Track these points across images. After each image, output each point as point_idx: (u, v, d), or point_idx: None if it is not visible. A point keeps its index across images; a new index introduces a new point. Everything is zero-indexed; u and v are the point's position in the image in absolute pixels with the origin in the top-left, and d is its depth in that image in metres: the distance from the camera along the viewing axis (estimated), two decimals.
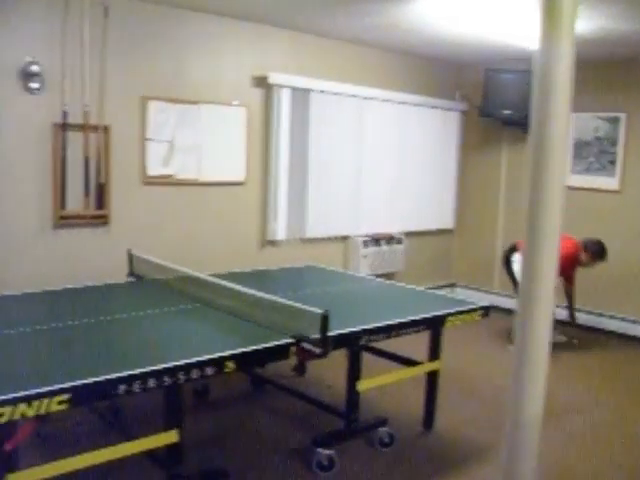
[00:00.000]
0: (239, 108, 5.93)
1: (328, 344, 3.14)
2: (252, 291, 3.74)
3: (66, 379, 2.57)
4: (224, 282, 3.95)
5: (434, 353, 4.36)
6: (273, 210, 6.26)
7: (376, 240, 7.18)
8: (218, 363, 2.94)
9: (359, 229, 7.10)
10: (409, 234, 7.62)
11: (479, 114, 7.62)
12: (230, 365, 2.98)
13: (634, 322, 6.92)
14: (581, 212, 7.30)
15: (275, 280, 5.14)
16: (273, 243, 6.35)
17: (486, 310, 4.39)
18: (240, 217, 6.10)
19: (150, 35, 5.35)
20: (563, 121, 1.96)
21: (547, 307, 2.04)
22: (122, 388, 2.67)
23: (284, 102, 6.18)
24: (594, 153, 7.14)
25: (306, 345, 3.20)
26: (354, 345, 3.66)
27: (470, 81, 7.94)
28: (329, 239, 6.88)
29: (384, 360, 4.56)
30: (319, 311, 3.18)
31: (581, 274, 6.54)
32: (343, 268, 6.99)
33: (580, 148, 7.24)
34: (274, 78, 6.03)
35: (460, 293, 8.32)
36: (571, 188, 7.35)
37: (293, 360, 3.62)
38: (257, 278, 5.07)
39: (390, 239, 7.34)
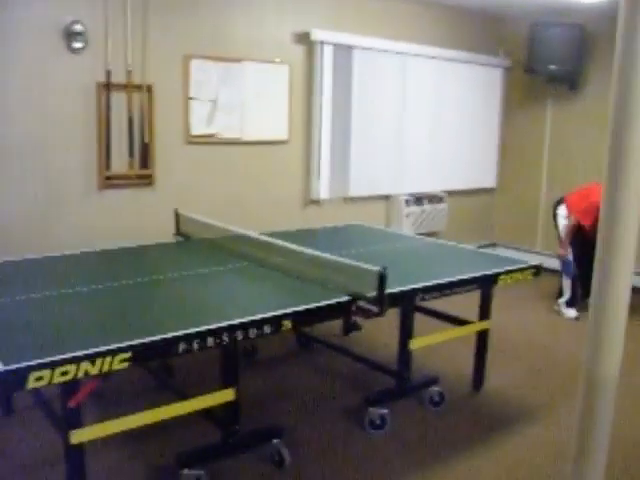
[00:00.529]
0: (281, 66, 5.84)
1: (385, 303, 3.10)
2: (304, 249, 3.70)
3: (126, 338, 2.57)
4: (274, 240, 3.93)
5: (484, 313, 4.30)
6: (316, 169, 6.20)
7: (418, 199, 7.10)
8: (275, 321, 2.92)
9: (402, 188, 7.02)
10: (451, 193, 7.52)
11: (523, 70, 7.41)
12: (287, 324, 2.96)
13: None
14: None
15: (321, 239, 5.10)
16: (316, 202, 6.30)
17: (537, 269, 4.31)
18: (283, 176, 6.06)
19: None
20: None
21: (627, 264, 1.97)
22: (182, 347, 2.66)
23: (326, 59, 6.08)
24: None
25: (363, 304, 3.17)
26: (407, 304, 3.62)
27: (513, 36, 7.72)
28: (371, 198, 6.81)
29: (434, 319, 4.52)
30: (376, 268, 3.13)
31: None
32: (386, 227, 6.93)
33: None
34: (316, 35, 5.92)
35: (502, 252, 8.21)
36: None
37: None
38: (302, 237, 5.02)
39: (432, 198, 7.25)
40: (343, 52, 6.18)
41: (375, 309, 3.11)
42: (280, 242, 3.87)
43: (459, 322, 4.38)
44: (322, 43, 6.00)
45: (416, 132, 7.04)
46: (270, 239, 3.97)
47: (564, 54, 7.05)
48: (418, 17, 6.95)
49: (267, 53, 5.74)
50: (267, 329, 2.90)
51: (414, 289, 3.52)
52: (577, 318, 6.00)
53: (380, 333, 5.22)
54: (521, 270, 4.18)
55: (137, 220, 5.21)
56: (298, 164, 6.15)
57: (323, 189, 6.29)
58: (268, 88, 5.79)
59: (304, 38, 5.92)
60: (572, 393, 4.36)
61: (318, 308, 3.09)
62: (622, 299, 1.98)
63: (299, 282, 3.53)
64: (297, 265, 3.69)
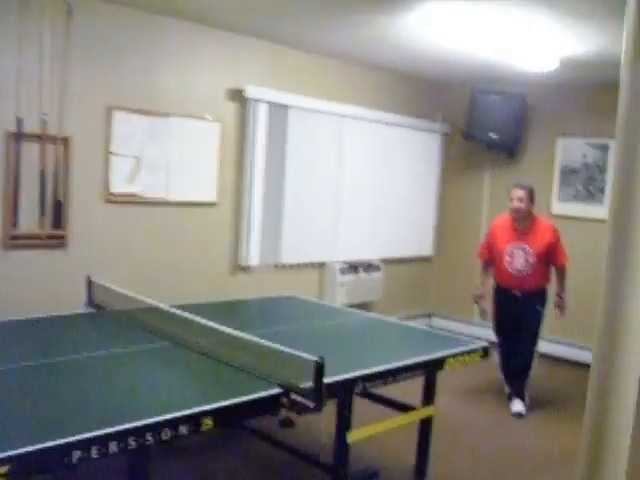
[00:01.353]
0: (212, 123, 5.47)
1: (323, 397, 2.68)
2: (230, 330, 3.26)
3: (4, 445, 2.07)
4: (198, 318, 3.47)
5: (428, 398, 3.93)
6: (246, 234, 5.79)
7: (354, 267, 6.75)
8: (194, 420, 2.46)
9: (336, 255, 6.67)
10: (387, 261, 7.21)
11: (463, 136, 7.27)
12: (208, 422, 2.50)
13: None
14: (568, 242, 6.97)
15: (251, 313, 4.67)
16: (246, 269, 5.87)
17: (485, 351, 3.99)
18: (211, 241, 5.62)
19: (118, 40, 4.88)
20: None
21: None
22: (77, 455, 2.17)
23: (260, 118, 5.74)
24: (582, 180, 6.84)
25: (297, 397, 2.74)
26: (346, 395, 3.20)
27: (453, 102, 7.59)
28: (305, 265, 6.43)
29: (370, 403, 4.10)
30: (312, 358, 2.72)
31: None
32: (319, 296, 6.54)
33: (567, 175, 6.94)
34: (251, 92, 5.59)
35: (438, 323, 7.92)
36: (556, 216, 7.05)
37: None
38: (231, 310, 4.60)
39: (368, 266, 6.92)
40: (278, 111, 5.87)
41: (311, 404, 2.69)
42: (203, 320, 3.42)
43: (402, 408, 3.98)
44: (256, 101, 5.67)
45: (353, 197, 6.74)
46: (192, 316, 3.51)
47: (504, 123, 6.93)
48: (357, 79, 6.73)
49: (197, 109, 5.37)
50: (184, 429, 2.43)
51: (353, 378, 3.12)
52: (520, 414, 5.26)
53: (316, 419, 4.75)
54: (469, 352, 3.85)
55: (46, 286, 4.67)
56: (227, 228, 5.73)
57: (253, 255, 5.87)
58: (197, 146, 5.40)
59: (238, 95, 5.59)
60: None
61: (245, 403, 2.65)
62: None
63: (223, 368, 3.08)
64: (222, 348, 3.24)
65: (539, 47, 5.29)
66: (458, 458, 4.39)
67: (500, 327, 5.46)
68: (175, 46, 5.19)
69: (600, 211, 6.72)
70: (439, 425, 4.19)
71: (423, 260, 7.84)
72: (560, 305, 5.37)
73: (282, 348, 2.98)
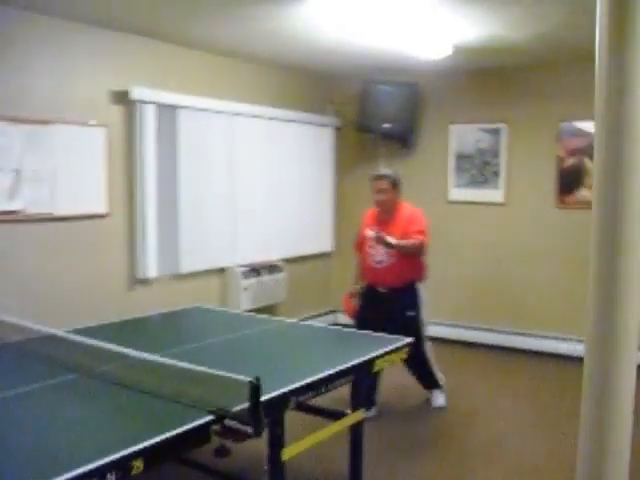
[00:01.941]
0: (97, 128, 5.08)
1: (262, 421, 2.44)
2: (146, 354, 2.97)
3: None
4: (103, 343, 3.15)
5: (358, 402, 3.76)
6: (142, 244, 5.43)
7: (255, 270, 6.51)
8: (123, 465, 2.17)
9: (237, 259, 6.40)
10: (289, 260, 7.02)
11: (356, 128, 7.17)
12: (139, 465, 2.21)
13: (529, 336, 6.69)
14: (465, 226, 7.04)
15: (158, 330, 4.33)
16: (144, 282, 5.51)
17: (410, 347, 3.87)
18: (105, 255, 5.22)
19: None
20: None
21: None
22: None
23: (149, 120, 5.39)
24: (476, 165, 6.89)
25: (232, 423, 2.49)
26: (278, 412, 2.96)
27: (345, 94, 7.49)
28: (205, 272, 6.13)
29: (296, 413, 3.88)
30: (246, 378, 2.48)
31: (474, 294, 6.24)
32: (222, 303, 6.27)
33: (461, 161, 6.98)
34: (137, 93, 5.24)
35: (343, 320, 7.81)
36: (453, 202, 7.10)
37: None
38: (136, 329, 4.26)
39: (270, 267, 6.70)
40: (167, 113, 5.54)
41: (249, 429, 2.45)
42: (110, 345, 3.10)
43: (332, 415, 3.79)
44: (143, 103, 5.32)
45: (249, 197, 6.49)
46: (98, 342, 3.18)
47: (397, 112, 6.88)
48: (247, 75, 6.49)
49: (80, 114, 4.96)
50: (111, 478, 2.13)
51: (286, 394, 2.89)
52: (442, 407, 5.11)
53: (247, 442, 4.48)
54: (396, 350, 3.72)
55: None
56: (121, 240, 5.35)
57: (151, 266, 5.51)
58: (82, 154, 4.99)
59: (123, 97, 5.21)
60: None
61: (177, 437, 2.37)
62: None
63: (144, 398, 2.78)
64: (138, 374, 2.95)
65: (433, 34, 5.23)
66: (395, 460, 4.25)
67: (362, 326, 4.51)
68: (51, 46, 4.76)
69: (496, 194, 6.82)
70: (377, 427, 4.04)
71: (324, 256, 7.70)
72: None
73: (207, 370, 2.73)
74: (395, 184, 4.79)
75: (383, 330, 4.13)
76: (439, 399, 5.17)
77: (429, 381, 5.15)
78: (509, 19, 4.81)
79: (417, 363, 4.89)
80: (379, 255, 4.73)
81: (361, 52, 5.95)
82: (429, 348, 5.03)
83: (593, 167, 1.66)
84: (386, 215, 4.82)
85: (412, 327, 4.64)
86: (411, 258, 4.74)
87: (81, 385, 2.98)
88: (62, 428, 2.50)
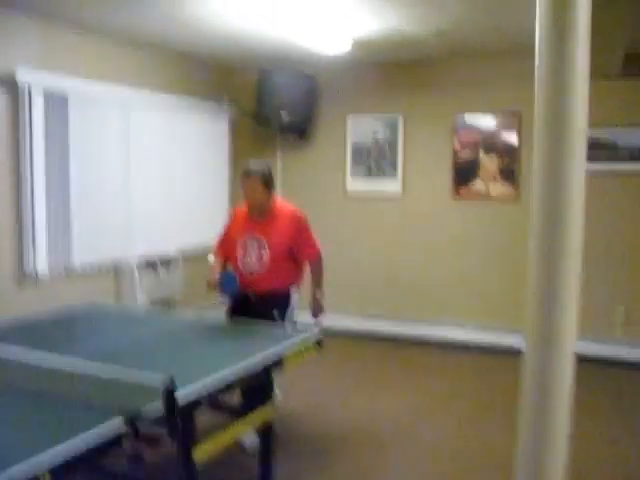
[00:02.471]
0: None
1: (178, 425, 2.32)
2: (41, 356, 2.77)
3: None
4: None
5: (265, 396, 3.67)
6: (31, 238, 5.11)
7: (151, 264, 6.30)
8: None
9: (132, 252, 6.15)
10: (184, 252, 6.82)
11: (253, 118, 7.05)
12: (47, 478, 2.05)
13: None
14: (363, 217, 7.08)
15: (53, 330, 4.05)
16: (33, 278, 5.19)
17: (320, 342, 3.81)
18: None
19: None
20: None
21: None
22: None
23: (36, 105, 5.07)
24: (374, 157, 6.94)
25: (144, 427, 2.35)
26: (192, 409, 2.83)
27: (242, 84, 7.35)
28: (99, 267, 5.85)
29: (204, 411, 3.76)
30: (158, 377, 2.35)
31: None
32: (117, 299, 6.01)
33: (359, 152, 7.00)
34: (23, 75, 4.91)
35: None
36: (351, 193, 7.12)
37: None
38: (27, 329, 3.97)
39: (166, 261, 6.50)
40: (57, 98, 5.23)
41: (165, 433, 2.32)
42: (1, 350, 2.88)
43: (236, 411, 3.69)
44: (30, 86, 4.99)
45: (144, 188, 6.25)
46: None
47: (294, 103, 6.81)
48: (142, 61, 6.24)
49: None
50: None
51: (197, 392, 2.76)
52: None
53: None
54: (305, 344, 3.65)
55: None
56: (7, 234, 5.02)
57: (40, 260, 5.20)
58: None
59: (8, 80, 4.87)
60: None
61: (81, 446, 2.20)
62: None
63: (45, 405, 2.58)
64: (36, 379, 2.74)
65: (333, 28, 5.19)
66: (306, 458, 4.20)
67: None
68: None
69: (393, 185, 6.88)
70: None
71: None
72: (316, 309, 4.44)
73: (117, 371, 2.56)
74: (267, 181, 4.22)
75: None
76: (250, 439, 4.14)
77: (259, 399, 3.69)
78: (410, 13, 4.84)
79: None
80: (252, 259, 4.25)
81: (260, 42, 5.85)
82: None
83: (532, 165, 1.64)
84: (259, 217, 4.28)
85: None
86: (287, 265, 4.33)
87: None
88: None
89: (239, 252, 4.28)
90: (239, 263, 4.29)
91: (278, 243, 4.22)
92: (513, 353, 6.16)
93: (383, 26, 5.16)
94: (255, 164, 4.29)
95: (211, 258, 4.47)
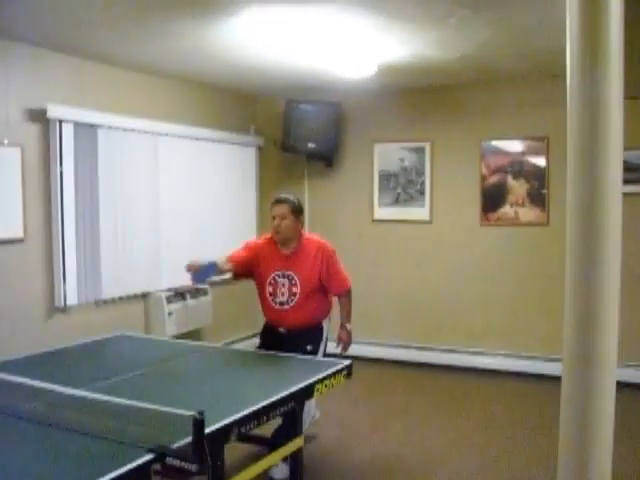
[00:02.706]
0: (11, 148, 4.79)
1: (207, 458, 2.29)
2: (72, 390, 2.77)
3: None
4: (25, 379, 2.92)
5: (295, 428, 3.62)
6: (61, 270, 5.14)
7: (180, 294, 6.30)
8: None
9: (161, 283, 6.17)
10: (214, 283, 6.81)
11: (280, 148, 7.08)
12: None
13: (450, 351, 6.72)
14: (391, 245, 7.03)
15: (82, 362, 4.06)
16: (64, 310, 5.21)
17: (349, 370, 3.77)
18: (20, 282, 4.91)
19: None
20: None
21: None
22: None
23: (67, 140, 5.13)
24: (401, 184, 6.91)
25: (173, 461, 2.32)
26: (219, 445, 2.80)
27: (268, 113, 7.40)
28: (128, 298, 5.87)
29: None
30: (188, 412, 2.32)
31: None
32: (146, 330, 6.03)
33: (386, 180, 6.98)
34: (54, 111, 4.98)
35: None
36: (378, 221, 7.09)
37: None
38: (57, 361, 4.00)
39: (195, 291, 6.49)
40: (87, 132, 5.29)
41: (193, 467, 2.29)
42: (32, 381, 2.88)
43: (267, 443, 3.65)
44: (61, 121, 5.06)
45: (173, 220, 6.28)
46: (17, 378, 2.94)
47: (320, 132, 6.83)
48: (169, 93, 6.31)
49: None
50: None
51: (227, 426, 2.73)
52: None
53: None
54: (334, 374, 3.61)
55: None
56: (38, 266, 5.05)
57: (70, 293, 5.22)
58: None
59: (39, 115, 4.94)
60: None
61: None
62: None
63: (75, 439, 2.56)
64: (65, 412, 2.73)
65: (358, 53, 5.21)
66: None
67: None
68: None
69: (421, 212, 6.84)
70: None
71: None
72: (344, 339, 4.39)
73: (146, 405, 2.55)
74: (296, 210, 4.26)
75: None
76: (283, 469, 3.94)
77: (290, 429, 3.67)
78: (434, 39, 4.83)
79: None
80: (282, 295, 4.22)
81: (284, 71, 5.88)
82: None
83: (567, 182, 1.61)
84: (286, 248, 4.27)
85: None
86: (318, 299, 4.31)
87: (2, 426, 2.74)
88: None
89: (268, 289, 4.26)
90: (269, 300, 4.26)
91: (308, 278, 4.21)
92: (542, 379, 6.08)
93: (408, 51, 5.16)
94: (286, 194, 4.38)
95: (222, 259, 4.33)
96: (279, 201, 4.25)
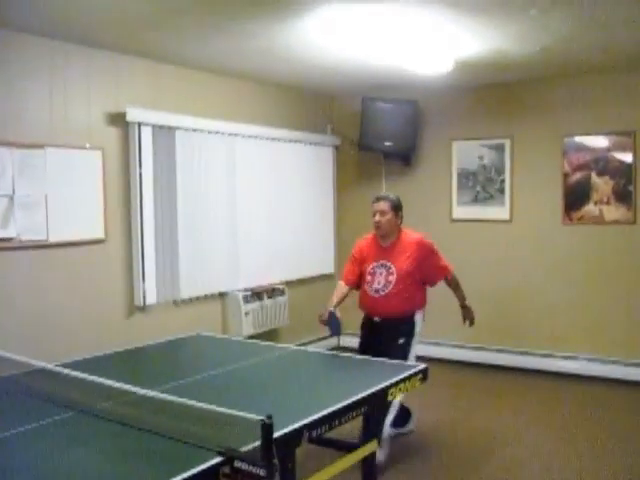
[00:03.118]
0: (93, 151, 4.93)
1: (275, 464, 2.27)
2: (146, 390, 2.80)
3: None
4: (102, 379, 2.97)
5: (369, 433, 3.58)
6: (140, 270, 5.26)
7: (257, 294, 6.34)
8: None
9: (238, 283, 6.23)
10: (290, 283, 6.85)
11: (357, 147, 7.04)
12: None
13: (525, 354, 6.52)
14: (470, 245, 6.88)
15: (158, 361, 4.14)
16: (143, 309, 5.33)
17: (425, 374, 3.70)
18: (102, 282, 5.05)
19: None
20: None
21: None
22: None
23: (146, 142, 5.24)
24: (480, 182, 6.75)
25: (242, 465, 2.31)
26: (289, 449, 2.78)
27: (344, 113, 7.37)
28: (205, 298, 5.96)
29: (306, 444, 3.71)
30: (257, 417, 2.31)
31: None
32: (223, 329, 6.10)
33: (465, 178, 6.84)
34: (133, 115, 5.09)
35: (347, 343, 7.62)
36: (457, 220, 6.95)
37: None
38: (134, 360, 4.08)
39: (272, 291, 6.53)
40: (165, 134, 5.39)
41: (261, 472, 2.27)
42: (109, 381, 2.93)
43: (344, 446, 3.60)
44: (140, 124, 5.17)
45: (250, 220, 6.33)
46: (96, 378, 3.00)
47: (397, 130, 6.76)
48: (245, 94, 6.36)
49: (75, 137, 4.80)
50: None
51: (298, 429, 2.71)
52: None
53: None
54: (409, 377, 3.54)
55: None
56: (118, 266, 5.18)
57: (149, 293, 5.34)
58: (78, 178, 4.84)
59: (119, 119, 5.07)
60: None
61: None
62: None
63: (147, 437, 2.60)
64: (138, 411, 2.77)
65: (435, 49, 5.11)
66: None
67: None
68: (45, 68, 4.62)
69: (501, 211, 6.67)
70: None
71: (326, 278, 7.51)
72: (467, 315, 4.82)
73: (215, 408, 2.55)
74: (396, 207, 4.57)
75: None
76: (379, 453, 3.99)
77: (377, 427, 4.06)
78: (513, 32, 4.69)
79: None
80: (378, 283, 4.50)
81: (360, 69, 5.83)
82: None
83: None
84: (386, 241, 4.57)
85: (398, 356, 4.18)
86: (411, 288, 4.50)
87: (78, 424, 2.80)
88: (60, 474, 2.32)
89: (367, 278, 4.56)
90: (366, 288, 4.56)
91: (404, 268, 4.46)
92: (630, 385, 5.83)
93: (485, 46, 5.02)
94: (387, 192, 5.03)
95: (340, 285, 4.73)
96: (379, 198, 4.61)
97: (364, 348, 4.58)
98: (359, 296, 4.70)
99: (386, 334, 4.47)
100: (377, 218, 4.52)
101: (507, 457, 4.50)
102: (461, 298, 4.80)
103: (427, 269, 4.56)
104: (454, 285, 4.77)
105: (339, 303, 4.55)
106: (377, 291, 4.49)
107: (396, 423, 4.58)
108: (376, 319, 4.56)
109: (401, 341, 4.46)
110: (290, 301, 6.70)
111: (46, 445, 2.56)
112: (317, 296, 7.38)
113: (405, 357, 4.34)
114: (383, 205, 4.53)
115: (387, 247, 4.56)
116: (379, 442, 3.93)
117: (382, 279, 4.48)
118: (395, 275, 4.45)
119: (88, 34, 4.57)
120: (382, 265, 4.52)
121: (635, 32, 4.63)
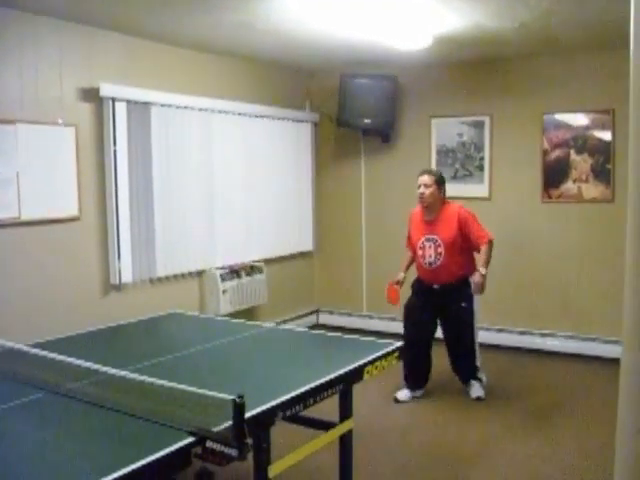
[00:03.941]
0: (65, 128, 4.82)
1: (246, 444, 2.24)
2: (117, 370, 2.76)
3: None
4: (72, 359, 2.93)
5: (346, 411, 3.56)
6: (116, 248, 5.18)
7: (235, 272, 6.30)
8: None
9: (215, 261, 6.18)
10: (269, 261, 6.80)
11: (336, 124, 6.97)
12: None
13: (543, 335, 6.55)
14: None
15: (133, 340, 4.10)
16: (119, 287, 5.26)
17: (401, 350, 3.68)
18: (76, 260, 4.97)
19: None
20: None
21: None
22: None
23: (120, 118, 5.15)
24: (459, 159, 6.73)
25: (213, 445, 2.28)
26: (266, 426, 2.76)
27: (323, 89, 7.29)
28: (183, 276, 5.90)
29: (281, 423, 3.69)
30: (229, 397, 2.28)
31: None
32: (200, 307, 6.05)
33: (444, 155, 6.80)
34: (106, 90, 4.99)
35: (326, 320, 7.63)
36: None
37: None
38: (109, 339, 4.04)
39: (250, 269, 6.48)
40: (139, 110, 5.30)
41: (233, 452, 2.24)
42: (79, 361, 2.88)
43: (320, 424, 3.58)
44: (114, 100, 5.07)
45: (227, 198, 6.26)
46: (66, 358, 2.96)
47: (376, 106, 6.69)
48: (222, 70, 6.26)
49: (47, 113, 4.70)
50: None
51: (271, 409, 2.68)
52: (480, 398, 5.13)
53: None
54: (385, 356, 3.53)
55: None
56: (93, 244, 5.11)
57: (125, 271, 5.27)
58: (51, 155, 4.74)
59: (92, 94, 4.96)
60: None
61: (158, 462, 2.16)
62: None
63: (118, 418, 2.56)
64: (110, 392, 2.73)
65: (414, 24, 5.04)
66: (384, 468, 4.07)
67: (410, 316, 5.17)
68: (15, 41, 4.49)
69: (480, 188, 6.66)
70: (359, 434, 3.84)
71: (304, 256, 7.49)
72: (475, 280, 4.89)
73: (186, 388, 2.52)
74: (439, 181, 4.98)
75: (431, 320, 5.13)
76: (478, 390, 5.16)
77: (470, 372, 5.20)
78: (492, 7, 4.63)
79: (465, 352, 5.14)
80: (430, 257, 4.99)
81: (339, 45, 5.75)
82: (477, 339, 5.19)
83: (629, 156, 1.50)
84: (430, 214, 5.02)
85: (465, 317, 5.01)
86: (461, 256, 4.99)
87: (49, 405, 2.76)
88: (29, 454, 2.28)
89: (419, 252, 5.07)
90: (420, 261, 5.07)
91: (449, 239, 4.92)
92: (607, 362, 5.87)
93: (464, 22, 4.97)
94: (431, 168, 5.80)
95: (401, 276, 5.24)
96: (424, 172, 5.06)
97: (412, 303, 5.18)
98: (416, 266, 5.21)
99: (448, 297, 5.03)
100: (421, 190, 4.94)
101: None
102: (483, 263, 4.94)
103: (468, 235, 4.94)
104: (485, 250, 4.95)
105: (407, 267, 5.27)
106: (430, 264, 5.00)
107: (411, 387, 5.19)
108: (436, 287, 5.05)
109: (464, 304, 5.00)
110: (269, 279, 6.67)
111: (15, 426, 2.52)
112: (296, 274, 7.39)
113: (472, 318, 5.03)
114: (427, 179, 4.95)
115: (431, 220, 5.01)
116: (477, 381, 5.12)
117: (432, 252, 4.97)
118: (443, 247, 4.92)
119: (59, 6, 4.45)
120: (429, 239, 4.99)
121: (614, 8, 4.58)
